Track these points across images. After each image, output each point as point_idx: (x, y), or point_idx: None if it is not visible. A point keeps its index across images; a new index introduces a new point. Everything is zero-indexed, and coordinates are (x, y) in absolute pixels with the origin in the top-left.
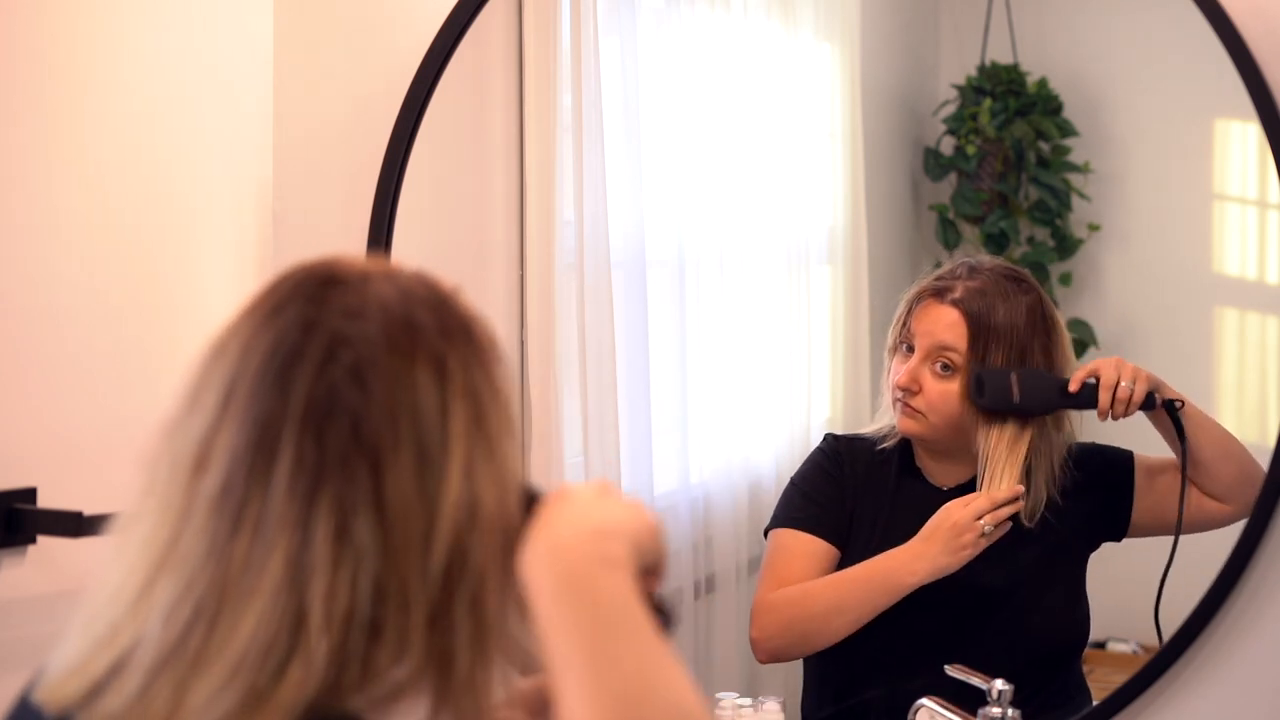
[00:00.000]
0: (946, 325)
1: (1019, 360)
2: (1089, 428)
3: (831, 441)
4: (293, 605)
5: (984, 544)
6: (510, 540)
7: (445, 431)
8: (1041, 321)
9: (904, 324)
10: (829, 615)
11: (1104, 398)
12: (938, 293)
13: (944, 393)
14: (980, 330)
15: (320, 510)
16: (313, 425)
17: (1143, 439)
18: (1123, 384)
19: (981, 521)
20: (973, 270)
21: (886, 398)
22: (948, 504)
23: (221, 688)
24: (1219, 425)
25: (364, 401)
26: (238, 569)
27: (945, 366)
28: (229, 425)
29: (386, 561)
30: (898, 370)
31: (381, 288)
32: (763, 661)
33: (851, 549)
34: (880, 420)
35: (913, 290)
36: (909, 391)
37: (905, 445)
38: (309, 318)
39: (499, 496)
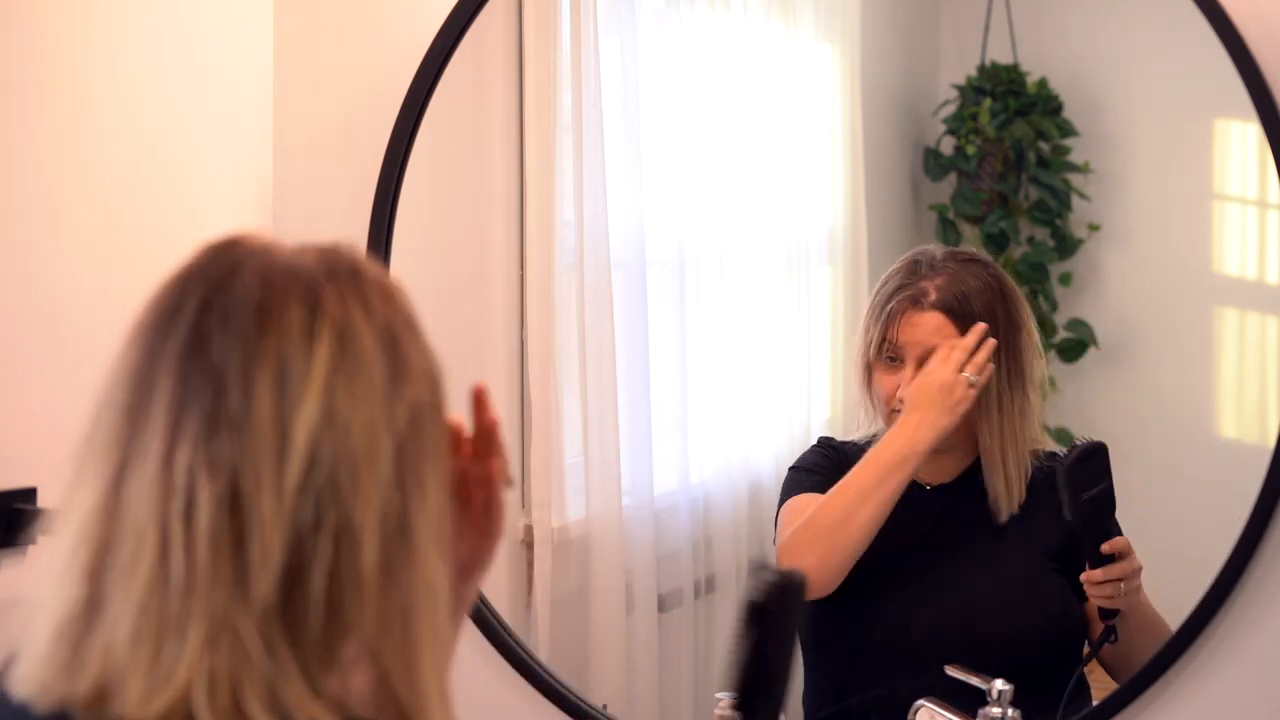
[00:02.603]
0: (933, 330)
1: (996, 326)
2: None
3: (825, 440)
4: (162, 535)
5: (973, 394)
6: (399, 468)
7: (309, 355)
8: (1010, 293)
9: (883, 337)
10: (850, 510)
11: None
12: (913, 300)
13: None
14: (966, 325)
15: (184, 438)
16: (182, 365)
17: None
18: (1122, 584)
19: (965, 373)
20: (931, 266)
21: (871, 410)
22: (926, 370)
23: (132, 638)
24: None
25: (227, 334)
26: (126, 513)
27: None
28: (118, 384)
29: (242, 477)
30: (886, 382)
31: (274, 245)
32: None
33: None
34: (864, 430)
35: (880, 300)
36: None
37: None
38: (190, 276)
39: (368, 420)
